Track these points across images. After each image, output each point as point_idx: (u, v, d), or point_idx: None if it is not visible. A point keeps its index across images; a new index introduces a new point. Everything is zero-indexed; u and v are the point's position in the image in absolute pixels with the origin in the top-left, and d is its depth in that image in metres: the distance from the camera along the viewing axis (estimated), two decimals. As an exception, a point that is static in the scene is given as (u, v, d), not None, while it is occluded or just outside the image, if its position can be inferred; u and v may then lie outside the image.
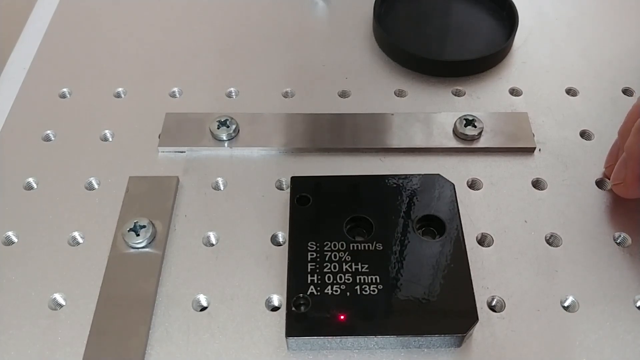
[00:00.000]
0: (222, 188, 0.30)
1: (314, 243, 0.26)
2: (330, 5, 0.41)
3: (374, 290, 0.24)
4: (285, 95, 0.35)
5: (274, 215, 0.29)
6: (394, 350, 0.24)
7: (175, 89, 0.35)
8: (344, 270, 0.25)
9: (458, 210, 0.27)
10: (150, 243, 0.27)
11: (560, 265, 0.27)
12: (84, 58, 0.37)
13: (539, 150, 0.32)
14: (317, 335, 0.24)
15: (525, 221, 0.29)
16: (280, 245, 0.28)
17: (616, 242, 0.28)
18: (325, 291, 0.24)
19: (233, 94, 0.35)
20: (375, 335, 0.24)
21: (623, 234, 0.28)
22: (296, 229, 0.27)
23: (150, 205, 0.29)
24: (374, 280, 0.25)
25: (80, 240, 0.28)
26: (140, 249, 0.27)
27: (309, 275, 0.25)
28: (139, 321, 0.25)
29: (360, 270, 0.25)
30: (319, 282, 0.25)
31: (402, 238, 0.26)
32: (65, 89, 0.35)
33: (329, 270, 0.25)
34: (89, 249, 0.28)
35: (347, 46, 0.38)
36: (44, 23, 0.39)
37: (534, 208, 0.29)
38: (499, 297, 0.26)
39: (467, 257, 0.25)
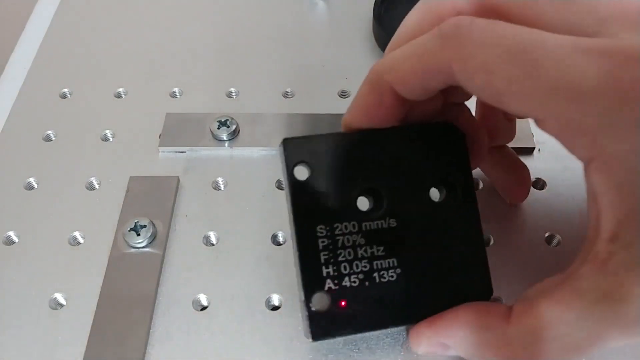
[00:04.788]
0: (222, 188, 0.30)
1: (323, 227, 0.23)
2: (330, 5, 0.41)
3: (392, 276, 0.23)
4: (285, 95, 0.35)
5: (274, 215, 0.29)
6: (394, 349, 0.25)
7: (175, 89, 0.35)
8: (359, 256, 0.23)
9: (469, 165, 0.24)
10: (150, 243, 0.28)
11: (560, 265, 0.27)
12: (84, 58, 0.37)
13: (539, 150, 0.32)
14: (343, 334, 0.23)
15: (525, 221, 0.29)
16: (281, 245, 0.28)
17: (616, 242, 0.28)
18: (344, 284, 0.22)
19: (233, 94, 0.35)
20: (398, 325, 0.23)
21: (623, 234, 0.28)
22: (300, 213, 0.23)
23: (150, 205, 0.29)
24: (391, 265, 0.23)
25: (81, 240, 0.28)
26: (140, 249, 0.27)
27: (323, 267, 0.22)
28: (139, 321, 0.25)
29: (375, 254, 0.23)
30: (335, 274, 0.22)
31: (415, 210, 0.24)
32: (65, 89, 0.35)
33: (344, 259, 0.23)
34: (90, 249, 0.28)
35: (347, 46, 0.38)
36: (45, 23, 0.39)
37: (534, 208, 0.29)
38: (499, 298, 0.26)
39: (479, 220, 0.24)
